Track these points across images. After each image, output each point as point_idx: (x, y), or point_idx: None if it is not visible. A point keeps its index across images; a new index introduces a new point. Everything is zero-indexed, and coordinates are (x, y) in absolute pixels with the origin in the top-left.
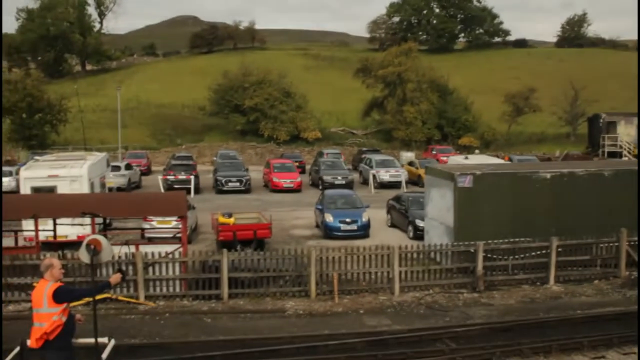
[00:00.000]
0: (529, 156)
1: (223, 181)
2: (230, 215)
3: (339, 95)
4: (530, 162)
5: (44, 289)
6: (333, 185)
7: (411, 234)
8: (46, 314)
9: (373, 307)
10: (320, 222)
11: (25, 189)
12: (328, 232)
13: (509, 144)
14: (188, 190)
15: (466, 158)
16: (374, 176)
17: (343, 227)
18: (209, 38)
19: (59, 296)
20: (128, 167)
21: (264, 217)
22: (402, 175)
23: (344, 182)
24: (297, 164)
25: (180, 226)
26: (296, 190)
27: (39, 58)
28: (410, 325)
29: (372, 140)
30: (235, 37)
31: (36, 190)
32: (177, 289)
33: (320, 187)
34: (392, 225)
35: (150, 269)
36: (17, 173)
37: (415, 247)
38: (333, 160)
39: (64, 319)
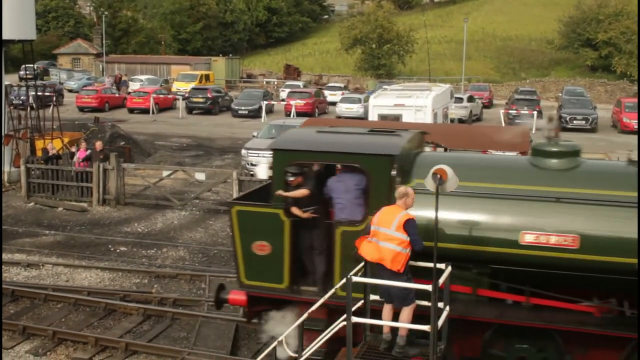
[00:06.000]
0: None
1: (568, 118)
2: None
3: None
4: None
5: (397, 214)
6: None
7: None
8: (394, 236)
9: None
10: None
11: (373, 116)
12: None
13: None
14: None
15: None
16: None
17: None
18: None
19: (409, 228)
20: (470, 99)
21: (610, 159)
22: None
23: None
24: None
25: None
26: None
27: None
28: None
29: None
30: None
31: (383, 117)
32: None
33: None
34: None
35: None
36: (366, 100)
37: None
38: None
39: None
